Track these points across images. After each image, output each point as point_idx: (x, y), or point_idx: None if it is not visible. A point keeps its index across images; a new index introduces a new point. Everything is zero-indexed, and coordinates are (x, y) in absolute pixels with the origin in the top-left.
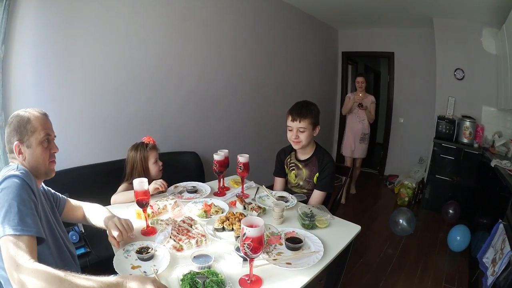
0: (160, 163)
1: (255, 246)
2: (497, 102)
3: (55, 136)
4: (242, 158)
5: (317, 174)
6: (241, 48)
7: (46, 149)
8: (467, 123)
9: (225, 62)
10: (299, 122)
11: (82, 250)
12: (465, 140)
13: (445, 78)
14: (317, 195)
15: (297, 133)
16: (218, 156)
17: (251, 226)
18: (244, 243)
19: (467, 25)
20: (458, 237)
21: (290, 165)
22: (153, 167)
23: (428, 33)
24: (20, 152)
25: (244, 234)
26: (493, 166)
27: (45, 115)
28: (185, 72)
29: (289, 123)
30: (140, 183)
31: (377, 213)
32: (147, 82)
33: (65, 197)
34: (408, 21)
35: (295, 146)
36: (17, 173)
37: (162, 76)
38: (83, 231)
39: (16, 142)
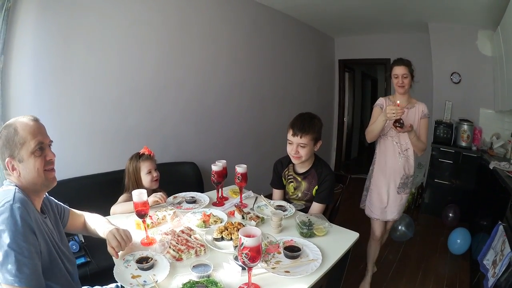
0: (155, 174)
1: (253, 255)
2: (494, 104)
3: (51, 141)
4: (240, 169)
5: (316, 186)
6: (238, 58)
7: (40, 157)
8: (465, 127)
9: (222, 72)
10: (300, 137)
11: (82, 260)
12: (463, 144)
13: (441, 82)
14: (316, 208)
15: (297, 148)
16: (216, 166)
17: (248, 236)
18: (242, 253)
19: (462, 29)
20: (459, 240)
21: (288, 177)
22: (146, 178)
23: (423, 38)
24: (13, 169)
25: (242, 244)
26: (491, 168)
27: (35, 121)
28: (183, 83)
29: (290, 137)
30: (139, 195)
31: None
32: (146, 92)
33: (68, 207)
34: (404, 27)
35: (294, 161)
36: (13, 208)
37: (160, 86)
38: (83, 240)
39: (7, 159)
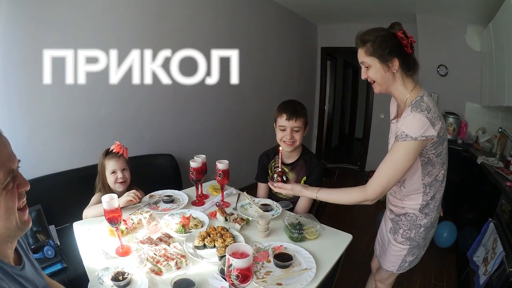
0: (120, 175)
1: (244, 276)
2: (481, 98)
3: (19, 162)
4: (221, 165)
5: (304, 178)
6: (216, 44)
7: (12, 191)
8: (451, 119)
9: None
10: (295, 121)
11: (58, 266)
12: (449, 136)
13: (428, 74)
14: (304, 201)
15: (292, 133)
16: (195, 163)
17: (237, 254)
18: (231, 275)
19: (450, 22)
20: (445, 234)
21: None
22: (109, 178)
23: (410, 29)
24: None
25: (231, 265)
26: (479, 163)
27: None
28: (157, 70)
29: (283, 122)
30: (110, 201)
31: (359, 211)
32: (118, 82)
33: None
34: (390, 17)
35: (288, 148)
36: None
37: (133, 75)
38: (59, 244)
39: None
